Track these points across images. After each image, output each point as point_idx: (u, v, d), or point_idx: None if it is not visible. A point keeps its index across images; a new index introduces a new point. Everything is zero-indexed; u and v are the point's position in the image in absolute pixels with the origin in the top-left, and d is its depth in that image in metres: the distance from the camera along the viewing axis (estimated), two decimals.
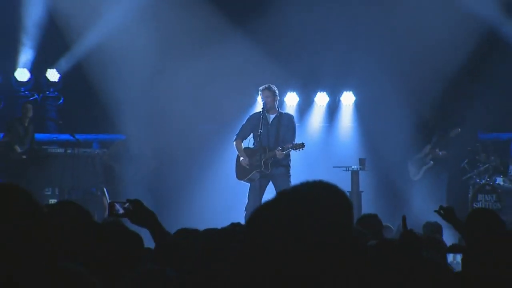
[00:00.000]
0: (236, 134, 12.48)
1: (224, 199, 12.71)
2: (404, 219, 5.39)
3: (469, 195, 12.87)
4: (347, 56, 14.08)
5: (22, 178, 12.29)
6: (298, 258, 2.29)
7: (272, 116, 12.09)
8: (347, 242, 2.42)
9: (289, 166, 11.99)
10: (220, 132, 13.47)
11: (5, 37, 14.57)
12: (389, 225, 9.07)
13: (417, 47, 13.97)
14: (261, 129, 11.88)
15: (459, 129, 13.20)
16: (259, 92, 12.23)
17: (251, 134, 12.49)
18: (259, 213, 2.41)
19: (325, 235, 2.34)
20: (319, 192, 2.44)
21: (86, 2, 14.46)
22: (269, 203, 2.49)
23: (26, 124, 13.19)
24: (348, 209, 2.44)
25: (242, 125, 12.53)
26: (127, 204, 5.35)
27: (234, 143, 12.40)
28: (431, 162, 13.34)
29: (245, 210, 11.48)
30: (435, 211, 5.96)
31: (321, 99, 14.66)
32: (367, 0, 14.33)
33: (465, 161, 13.37)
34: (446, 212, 5.86)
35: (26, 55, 14.57)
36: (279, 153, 11.66)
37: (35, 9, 14.42)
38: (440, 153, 13.32)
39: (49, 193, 12.18)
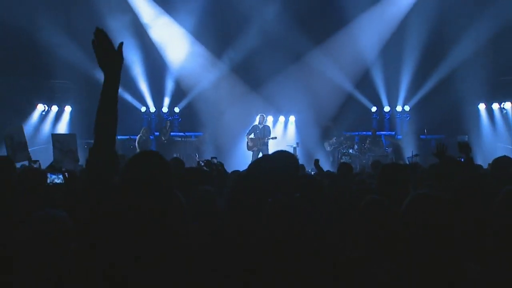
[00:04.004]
0: (247, 132, 12.50)
1: (242, 158, 12.24)
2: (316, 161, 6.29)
3: (338, 156, 12.57)
4: (291, 97, 13.26)
5: (165, 151, 12.15)
6: (273, 174, 2.55)
7: (261, 126, 12.34)
8: (295, 170, 2.72)
9: (268, 145, 12.12)
10: (242, 132, 13.03)
11: (157, 93, 14.31)
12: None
13: (318, 93, 13.02)
14: (257, 131, 12.27)
15: (346, 134, 13.06)
16: (258, 116, 12.51)
17: (253, 133, 12.45)
18: (257, 161, 2.73)
19: (286, 166, 2.61)
20: (282, 153, 2.74)
21: (194, 74, 13.79)
22: (261, 158, 2.98)
23: (167, 128, 13.26)
24: (295, 160, 2.75)
25: (249, 129, 12.54)
26: (206, 160, 6.00)
27: (246, 136, 12.45)
28: (335, 145, 12.92)
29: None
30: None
31: (281, 119, 14.20)
32: (300, 68, 13.33)
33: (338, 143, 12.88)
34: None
35: (166, 99, 14.35)
36: (264, 141, 12.13)
37: (170, 77, 14.17)
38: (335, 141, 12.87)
39: (175, 155, 11.55)
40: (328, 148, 13.06)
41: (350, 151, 12.85)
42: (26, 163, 7.60)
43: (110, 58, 2.04)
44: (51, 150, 8.15)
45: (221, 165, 5.61)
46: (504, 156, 4.22)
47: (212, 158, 6.71)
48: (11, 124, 9.02)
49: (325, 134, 13.25)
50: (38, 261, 2.17)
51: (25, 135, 7.97)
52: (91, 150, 2.06)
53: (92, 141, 2.07)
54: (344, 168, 5.85)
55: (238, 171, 5.55)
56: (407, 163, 9.90)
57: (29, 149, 7.77)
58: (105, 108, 2.06)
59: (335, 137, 12.99)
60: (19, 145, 7.71)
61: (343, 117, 13.48)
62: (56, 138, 8.43)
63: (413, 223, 1.99)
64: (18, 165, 6.87)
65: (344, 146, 12.91)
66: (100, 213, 1.99)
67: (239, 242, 2.29)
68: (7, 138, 7.77)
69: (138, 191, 2.04)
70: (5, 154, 7.65)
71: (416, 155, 10.87)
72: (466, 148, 4.10)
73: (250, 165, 2.69)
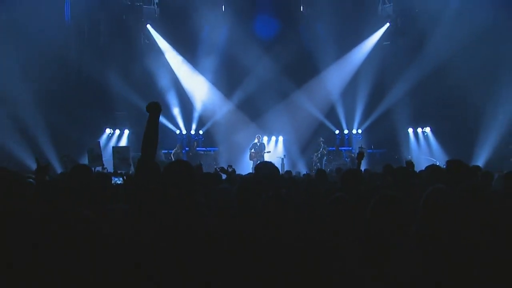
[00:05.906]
0: (250, 148, 12.25)
1: (246, 166, 11.99)
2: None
3: (319, 164, 12.15)
4: (280, 123, 13.00)
5: (192, 161, 11.38)
6: (265, 174, 2.56)
7: (258, 143, 12.06)
8: (278, 174, 2.72)
9: (264, 157, 11.82)
10: (245, 148, 12.66)
11: (187, 121, 14.09)
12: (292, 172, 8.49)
13: (299, 120, 12.86)
14: (256, 147, 11.96)
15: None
16: (256, 136, 12.27)
17: (253, 148, 12.17)
18: (258, 166, 2.74)
19: (270, 171, 2.62)
20: (268, 163, 2.78)
21: (212, 108, 13.42)
22: (259, 164, 2.88)
23: (194, 145, 13.09)
24: (276, 168, 2.73)
25: (250, 146, 12.25)
26: (221, 167, 5.92)
27: (249, 151, 12.18)
28: (319, 156, 12.43)
29: (252, 168, 11.06)
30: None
31: (273, 139, 13.82)
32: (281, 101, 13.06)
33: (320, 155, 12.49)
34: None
35: (194, 125, 14.09)
36: (261, 154, 11.90)
37: (196, 110, 13.85)
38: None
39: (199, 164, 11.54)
40: (315, 158, 12.56)
41: (324, 160, 12.62)
42: (99, 168, 7.60)
43: (153, 107, 2.20)
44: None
45: (234, 171, 5.55)
46: (433, 164, 4.13)
47: (228, 166, 6.55)
48: (92, 141, 9.19)
49: (314, 148, 12.66)
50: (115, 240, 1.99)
51: (101, 149, 8.07)
52: (139, 160, 2.12)
53: None
54: (320, 173, 5.75)
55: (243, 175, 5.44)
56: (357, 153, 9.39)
57: (103, 159, 7.81)
58: (148, 135, 2.18)
59: (320, 150, 12.45)
60: (97, 156, 7.78)
61: (316, 137, 13.40)
62: (116, 149, 8.49)
63: (378, 215, 1.97)
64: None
65: (324, 157, 12.66)
66: (146, 206, 1.95)
67: (246, 224, 2.22)
68: (89, 150, 7.86)
69: (173, 186, 2.02)
70: (86, 161, 7.70)
71: (362, 146, 10.85)
72: (411, 165, 4.62)
73: (253, 171, 2.71)
